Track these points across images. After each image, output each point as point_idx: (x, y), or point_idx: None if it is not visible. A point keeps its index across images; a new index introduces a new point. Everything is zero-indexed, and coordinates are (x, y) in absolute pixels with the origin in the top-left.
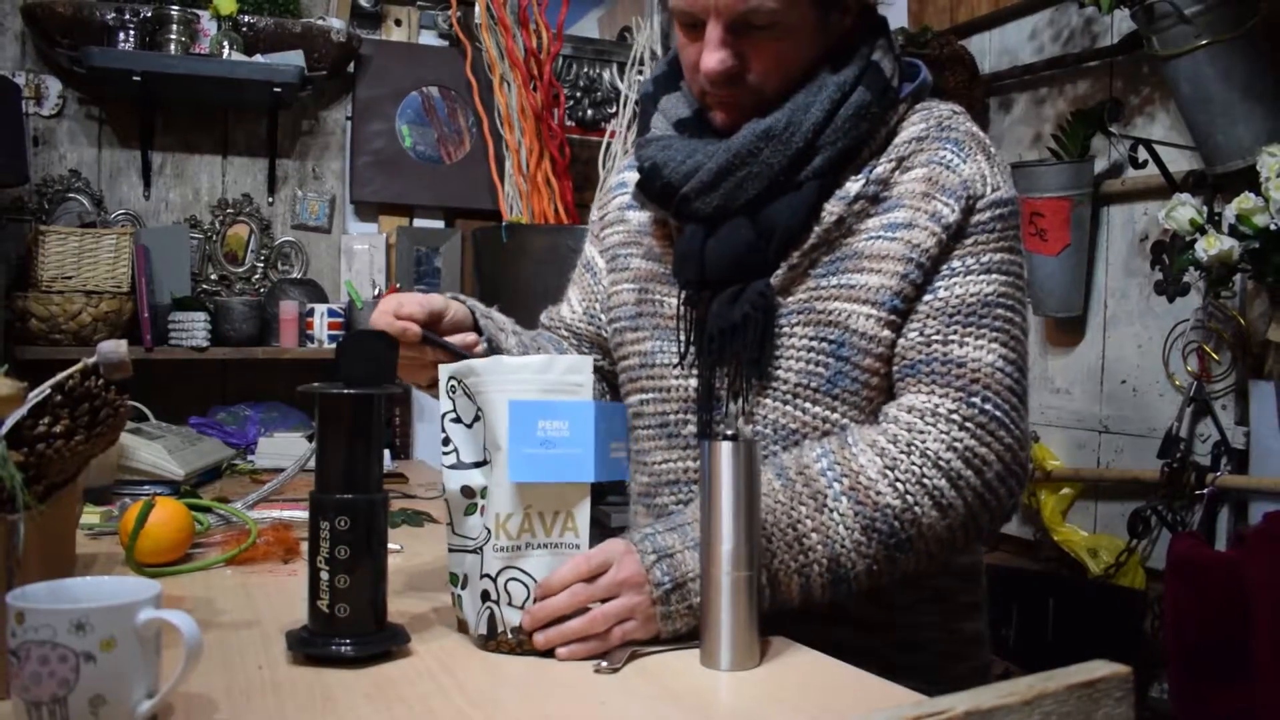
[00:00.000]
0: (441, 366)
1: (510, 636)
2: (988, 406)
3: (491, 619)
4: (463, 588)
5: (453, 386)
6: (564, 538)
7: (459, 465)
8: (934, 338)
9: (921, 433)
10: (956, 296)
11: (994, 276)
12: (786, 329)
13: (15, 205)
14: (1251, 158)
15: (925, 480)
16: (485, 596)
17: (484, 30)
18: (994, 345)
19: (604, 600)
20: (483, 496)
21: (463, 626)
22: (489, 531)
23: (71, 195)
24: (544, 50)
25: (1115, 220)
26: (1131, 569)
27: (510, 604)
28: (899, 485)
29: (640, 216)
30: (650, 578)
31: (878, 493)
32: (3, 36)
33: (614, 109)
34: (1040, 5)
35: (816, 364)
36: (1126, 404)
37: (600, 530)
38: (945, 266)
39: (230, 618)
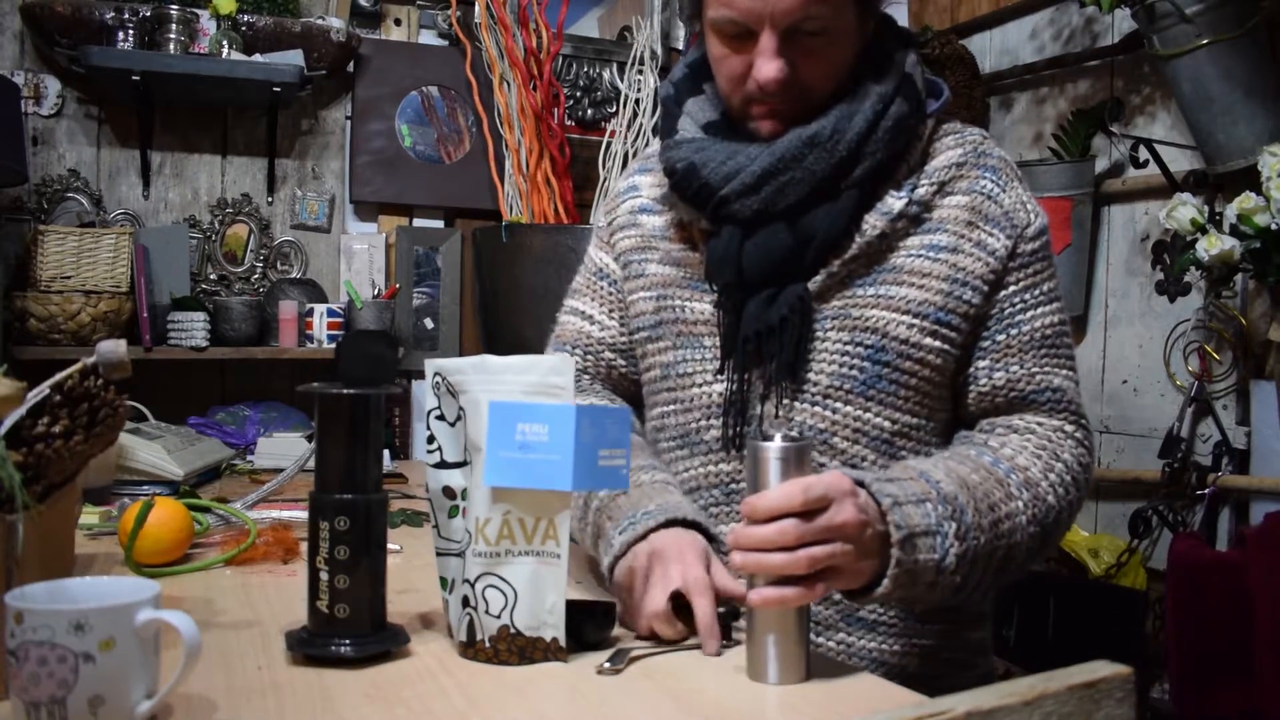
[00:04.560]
0: (428, 362)
1: (488, 645)
2: (1088, 426)
3: (471, 626)
4: (450, 592)
5: (437, 383)
6: (545, 546)
7: (442, 464)
8: (1035, 371)
9: (1060, 445)
10: (1037, 329)
11: (1054, 305)
12: (820, 333)
13: (14, 205)
14: (1253, 157)
15: (1070, 489)
16: (465, 602)
17: (484, 30)
18: (1069, 371)
19: (814, 543)
20: (463, 498)
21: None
22: (470, 535)
23: (70, 195)
24: (544, 50)
25: (1116, 220)
26: (1132, 569)
27: (488, 612)
28: (1056, 489)
29: (655, 221)
30: (890, 519)
31: (1044, 491)
32: (1, 36)
33: (614, 109)
34: (1041, 4)
35: (851, 367)
36: (1127, 404)
37: None
38: (1016, 299)
39: (229, 618)
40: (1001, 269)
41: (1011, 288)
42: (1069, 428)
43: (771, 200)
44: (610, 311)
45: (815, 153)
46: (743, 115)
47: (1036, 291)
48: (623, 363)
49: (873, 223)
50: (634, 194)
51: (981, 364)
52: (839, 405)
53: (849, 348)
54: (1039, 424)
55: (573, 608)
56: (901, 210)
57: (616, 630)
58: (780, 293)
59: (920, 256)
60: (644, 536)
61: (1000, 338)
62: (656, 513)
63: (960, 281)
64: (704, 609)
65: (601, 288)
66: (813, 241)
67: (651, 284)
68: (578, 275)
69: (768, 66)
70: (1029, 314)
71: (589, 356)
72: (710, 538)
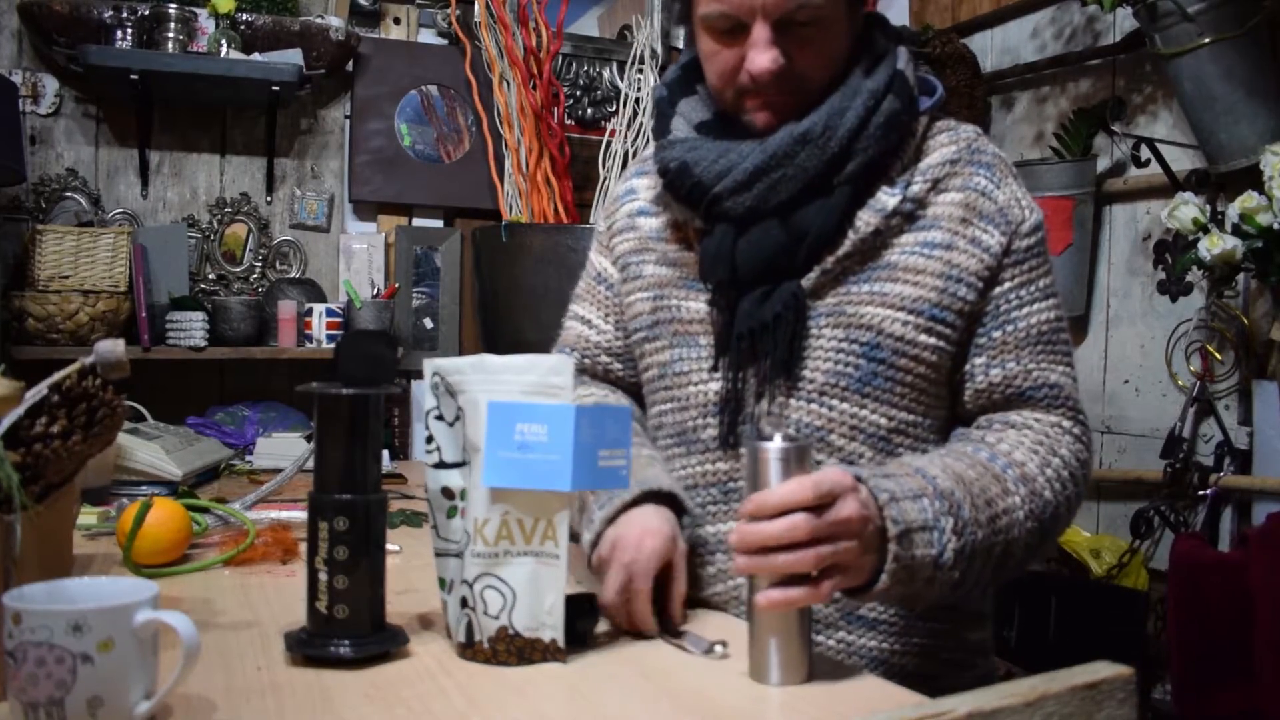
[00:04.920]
0: (426, 362)
1: (487, 646)
2: (1086, 422)
3: (469, 627)
4: (449, 592)
5: (436, 383)
6: (544, 546)
7: (441, 465)
8: (1031, 367)
9: (1057, 440)
10: (1034, 325)
11: (1050, 301)
12: (815, 330)
13: (12, 204)
14: (1255, 156)
15: (1067, 484)
16: (464, 603)
17: (483, 28)
18: (1066, 367)
19: (821, 540)
20: (462, 499)
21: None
22: (469, 535)
23: (69, 194)
24: (543, 49)
25: (1118, 219)
26: (1134, 570)
27: (486, 613)
28: (1054, 484)
29: (652, 223)
30: (887, 514)
31: (1040, 486)
32: None
33: (614, 108)
34: (1042, 3)
35: (847, 364)
36: (1129, 404)
37: None
38: (1011, 295)
39: (228, 619)
40: (996, 265)
41: (1007, 284)
42: (1066, 423)
43: (764, 197)
44: (606, 316)
45: (807, 150)
46: (737, 109)
47: (1032, 288)
48: (619, 366)
49: (866, 219)
50: (631, 197)
51: (978, 361)
52: (835, 402)
53: (844, 344)
54: (1036, 420)
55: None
56: (895, 207)
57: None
58: (774, 290)
59: (915, 253)
60: (618, 514)
61: (996, 334)
62: (634, 487)
63: (955, 278)
64: (640, 617)
65: (599, 292)
66: (805, 238)
67: (648, 284)
68: (580, 280)
69: (762, 57)
70: (1024, 310)
71: (586, 359)
72: (684, 511)
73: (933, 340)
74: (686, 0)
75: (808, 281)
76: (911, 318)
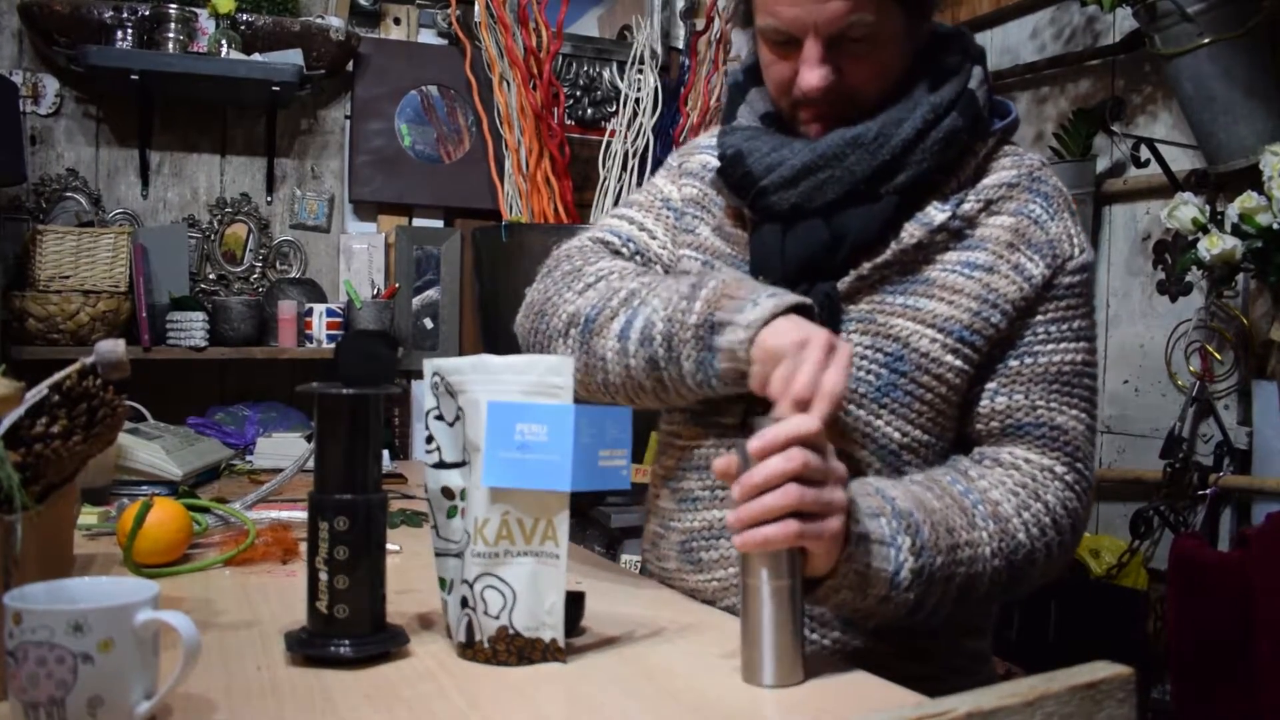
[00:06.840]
0: (426, 362)
1: (487, 646)
2: (1086, 472)
3: (470, 627)
4: (449, 592)
5: (436, 383)
6: (544, 546)
7: (441, 465)
8: (1039, 404)
9: (1044, 485)
10: (1054, 364)
11: (1081, 344)
12: (844, 335)
13: (12, 205)
14: (1254, 156)
15: (1047, 530)
16: (464, 603)
17: (483, 29)
18: (1082, 414)
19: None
20: (462, 499)
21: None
22: (469, 535)
23: (69, 194)
24: (544, 49)
25: (1117, 219)
26: (1134, 570)
27: (486, 613)
28: (1030, 528)
29: (718, 193)
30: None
31: (1014, 527)
32: (0, 35)
33: (614, 108)
34: (1042, 4)
35: (868, 372)
36: (1129, 404)
37: (600, 530)
38: (1040, 329)
39: (229, 618)
40: (1034, 296)
41: (1039, 317)
42: (1059, 469)
43: (808, 196)
44: (667, 232)
45: (857, 153)
46: (792, 118)
47: (1065, 326)
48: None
49: (911, 231)
50: (712, 151)
51: (988, 386)
52: (850, 408)
53: (868, 352)
54: (1026, 461)
55: None
56: (943, 223)
57: (590, 619)
58: (809, 290)
59: (955, 272)
60: (799, 309)
61: (1013, 364)
62: (789, 297)
63: (990, 302)
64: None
65: (663, 213)
66: (845, 241)
67: (701, 246)
68: (635, 194)
69: (811, 75)
70: (1049, 347)
71: (637, 259)
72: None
73: (958, 362)
74: (748, 5)
75: (843, 285)
76: (940, 336)
